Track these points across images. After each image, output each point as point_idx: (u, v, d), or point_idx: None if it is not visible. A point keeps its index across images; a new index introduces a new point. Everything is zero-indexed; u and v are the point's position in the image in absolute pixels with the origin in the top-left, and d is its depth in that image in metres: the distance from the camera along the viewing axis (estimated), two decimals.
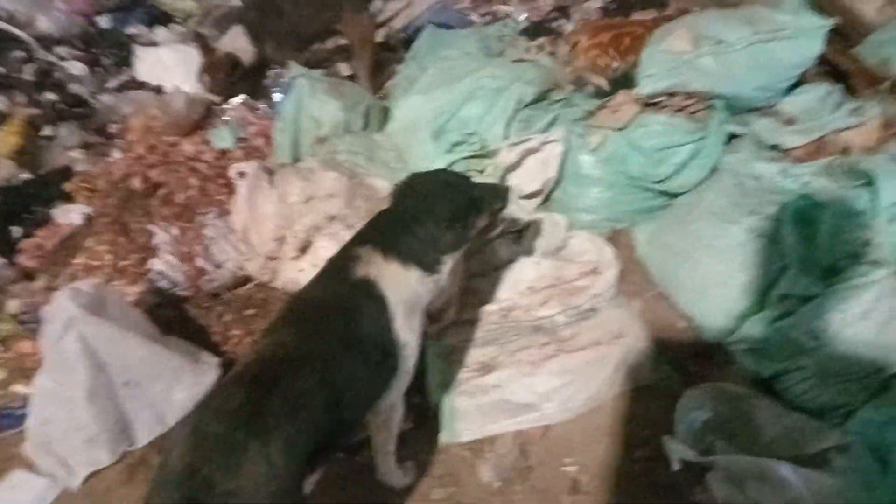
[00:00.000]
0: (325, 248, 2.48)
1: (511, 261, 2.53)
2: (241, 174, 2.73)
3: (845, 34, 2.93)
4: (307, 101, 3.10)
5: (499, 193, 2.09)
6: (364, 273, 1.69)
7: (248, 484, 1.30)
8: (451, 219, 1.82)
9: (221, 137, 3.10)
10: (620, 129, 2.65)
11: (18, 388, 2.15)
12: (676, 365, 2.25)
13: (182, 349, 2.16)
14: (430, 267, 1.79)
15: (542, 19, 4.55)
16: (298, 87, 3.12)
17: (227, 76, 3.31)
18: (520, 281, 2.48)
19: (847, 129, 2.48)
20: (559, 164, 2.71)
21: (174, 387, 2.07)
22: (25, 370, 2.19)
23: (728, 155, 2.52)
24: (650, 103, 2.69)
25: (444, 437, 2.08)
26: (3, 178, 2.76)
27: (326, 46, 4.04)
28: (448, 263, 1.86)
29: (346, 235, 2.49)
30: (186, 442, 1.35)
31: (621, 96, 2.77)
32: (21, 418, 1.98)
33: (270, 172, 2.77)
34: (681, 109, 2.65)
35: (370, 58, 3.81)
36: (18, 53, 3.40)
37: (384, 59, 4.16)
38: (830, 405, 2.01)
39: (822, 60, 2.65)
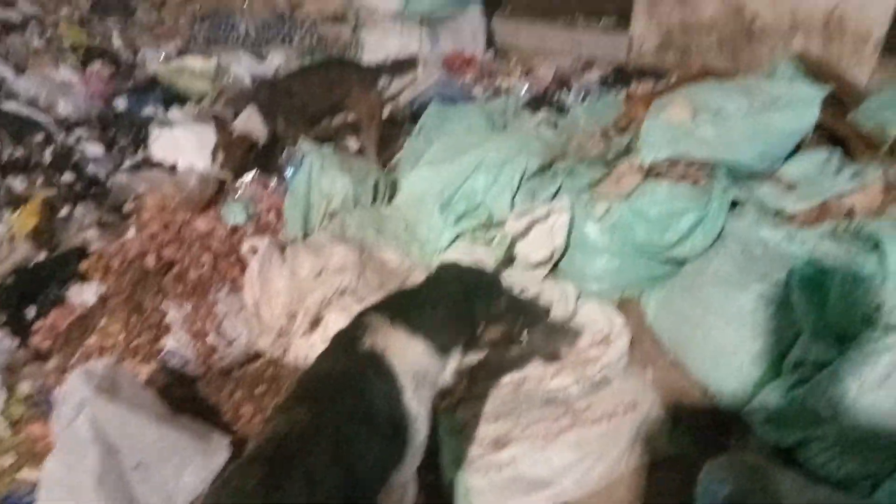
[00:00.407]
0: (336, 323, 2.49)
1: None
2: (253, 250, 2.78)
3: (840, 100, 3.01)
4: (317, 176, 3.18)
5: (528, 313, 1.98)
6: (371, 343, 1.69)
7: None
8: (463, 315, 1.81)
9: (233, 214, 3.17)
10: (625, 198, 2.70)
11: (27, 475, 2.11)
12: (694, 435, 2.21)
13: (193, 429, 2.13)
14: (438, 346, 1.75)
15: (543, 92, 4.71)
16: (309, 163, 3.20)
17: (243, 156, 3.41)
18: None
19: (849, 193, 2.51)
20: (566, 233, 2.74)
21: (184, 469, 2.03)
22: (36, 455, 2.16)
23: (732, 221, 2.54)
24: (652, 172, 2.75)
25: None
26: (19, 258, 2.81)
27: (335, 122, 4.18)
28: (454, 357, 1.82)
29: (357, 309, 2.52)
30: None
31: (624, 166, 2.84)
32: None
33: (282, 248, 2.82)
34: (683, 177, 2.70)
35: (377, 133, 3.93)
36: (39, 136, 3.52)
37: (391, 133, 4.28)
38: (856, 475, 1.96)
39: (820, 126, 2.72)
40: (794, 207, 2.46)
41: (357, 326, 1.76)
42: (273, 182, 3.46)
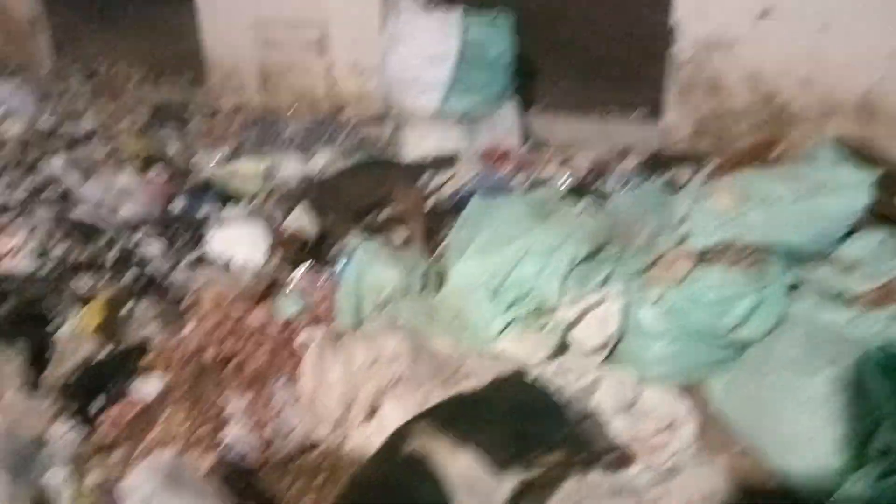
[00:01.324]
0: (392, 412, 2.48)
1: None
2: (308, 341, 2.82)
3: (890, 180, 3.02)
4: (367, 268, 3.26)
5: (588, 450, 1.96)
6: (416, 447, 1.69)
7: None
8: (519, 435, 1.80)
9: (287, 307, 3.24)
10: (678, 283, 2.70)
11: None
12: None
13: None
14: (489, 460, 1.72)
15: (583, 181, 4.83)
16: (358, 256, 3.30)
17: (296, 252, 3.54)
18: None
19: None
20: (620, 319, 2.74)
21: None
22: None
23: (794, 304, 2.51)
24: (705, 257, 2.76)
25: None
26: (85, 354, 2.89)
27: (381, 216, 4.32)
28: (509, 478, 1.76)
29: (412, 398, 2.52)
30: None
31: (675, 251, 2.86)
32: None
33: (335, 338, 2.86)
34: (736, 262, 2.70)
35: (423, 225, 4.05)
36: (103, 239, 3.70)
37: (436, 225, 4.39)
38: None
39: (871, 207, 2.72)
40: (856, 289, 2.43)
41: (403, 432, 1.78)
42: (324, 275, 3.55)
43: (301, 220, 3.62)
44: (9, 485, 2.16)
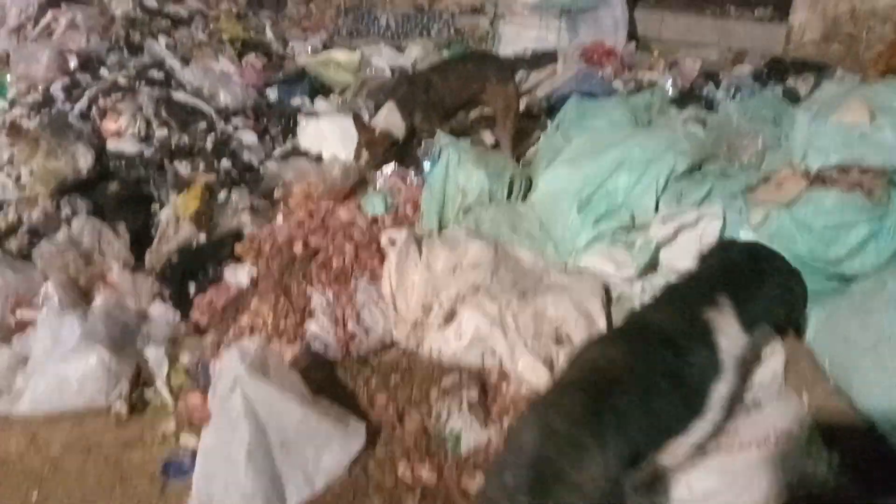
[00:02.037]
0: (469, 319, 2.49)
1: None
2: (392, 241, 2.84)
3: None
4: (454, 170, 3.20)
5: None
6: (710, 317, 1.82)
7: (588, 481, 1.49)
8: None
9: (373, 205, 3.26)
10: (786, 206, 2.49)
11: (185, 441, 2.30)
12: (856, 472, 2.00)
13: (332, 413, 2.22)
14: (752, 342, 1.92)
15: (691, 86, 4.46)
16: (446, 157, 3.23)
17: (385, 152, 3.51)
18: None
19: None
20: (716, 241, 2.57)
21: (324, 450, 2.12)
22: (192, 423, 2.34)
23: None
24: (819, 178, 2.52)
25: None
26: (182, 239, 3.05)
27: (472, 116, 4.19)
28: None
29: (490, 307, 2.52)
30: (537, 433, 1.56)
31: (786, 170, 2.62)
32: (188, 470, 2.11)
33: (418, 240, 2.86)
34: (855, 186, 2.45)
35: (514, 127, 3.89)
36: (202, 125, 3.79)
37: (528, 127, 4.23)
38: None
39: None
40: None
41: (704, 299, 1.89)
42: (411, 175, 3.52)
43: (391, 118, 3.55)
44: (112, 358, 2.36)
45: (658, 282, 2.67)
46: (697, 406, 1.79)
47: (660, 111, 3.76)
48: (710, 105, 3.91)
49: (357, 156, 3.54)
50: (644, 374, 1.70)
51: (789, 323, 2.18)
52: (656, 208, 2.84)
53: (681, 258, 2.62)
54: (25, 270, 2.82)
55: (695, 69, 4.77)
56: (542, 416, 1.62)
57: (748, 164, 3.08)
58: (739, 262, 2.06)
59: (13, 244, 2.97)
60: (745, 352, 1.88)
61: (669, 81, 4.53)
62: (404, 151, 3.70)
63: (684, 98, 4.05)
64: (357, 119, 3.59)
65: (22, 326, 2.63)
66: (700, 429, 1.82)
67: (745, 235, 2.56)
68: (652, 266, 2.68)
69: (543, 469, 1.50)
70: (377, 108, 3.90)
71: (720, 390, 1.80)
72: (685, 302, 1.90)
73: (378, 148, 3.50)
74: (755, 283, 1.98)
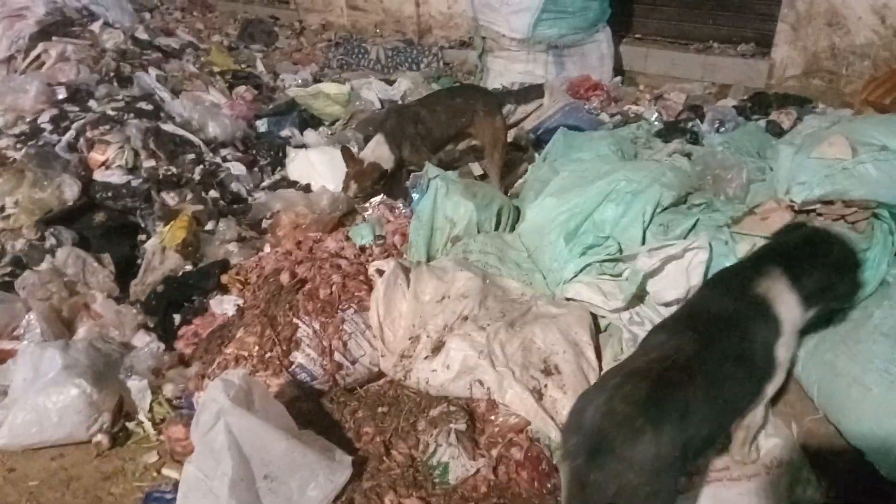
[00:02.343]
0: (457, 349, 2.47)
1: None
2: (379, 272, 2.83)
3: None
4: (442, 201, 3.21)
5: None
6: (765, 289, 1.92)
7: (638, 459, 1.59)
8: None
9: (361, 235, 3.26)
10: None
11: (168, 473, 2.25)
12: (846, 499, 1.99)
13: (318, 445, 2.18)
14: (807, 306, 1.97)
15: (676, 119, 4.53)
16: (434, 188, 3.24)
17: (373, 184, 3.53)
18: None
19: None
20: (703, 272, 2.59)
21: (309, 483, 2.08)
22: (175, 454, 2.30)
23: None
24: (803, 211, 2.55)
25: None
26: (168, 269, 3.02)
27: (459, 147, 4.23)
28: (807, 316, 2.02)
29: (478, 337, 2.50)
30: (600, 410, 1.67)
31: (770, 203, 2.65)
32: (171, 502, 2.06)
33: (406, 271, 2.85)
34: (839, 219, 2.48)
35: (502, 159, 3.93)
36: (190, 156, 3.80)
37: (516, 159, 4.27)
38: None
39: None
40: None
41: (757, 273, 1.97)
42: (399, 206, 3.53)
43: (379, 150, 3.58)
44: (93, 390, 2.32)
45: (646, 313, 2.68)
46: (765, 376, 1.91)
47: (645, 144, 3.82)
48: (694, 138, 3.97)
49: (346, 187, 3.56)
50: (712, 363, 1.77)
51: (841, 302, 2.26)
52: (643, 240, 2.85)
53: (668, 289, 2.64)
54: (8, 301, 2.79)
55: (679, 103, 4.86)
56: (605, 396, 1.70)
57: (733, 196, 3.11)
58: (793, 241, 2.12)
59: None
60: (801, 322, 1.98)
61: (655, 115, 4.60)
62: (393, 183, 3.73)
63: (669, 131, 4.11)
64: (346, 151, 3.61)
65: (3, 357, 2.58)
66: (768, 392, 1.96)
67: None
68: (639, 297, 2.69)
69: (599, 441, 1.62)
70: (366, 140, 3.94)
71: (782, 354, 1.91)
72: (740, 280, 1.99)
73: (367, 180, 3.52)
74: (810, 258, 2.02)
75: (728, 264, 2.55)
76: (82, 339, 2.61)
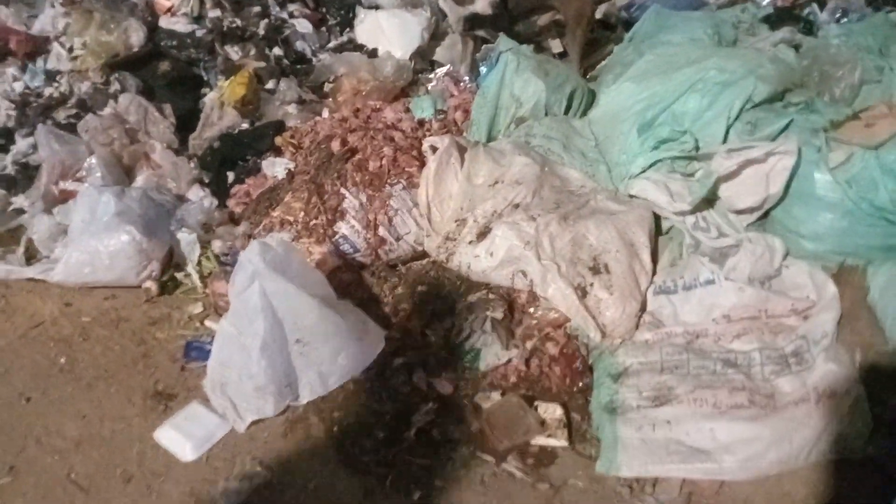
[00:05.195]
0: (503, 238, 2.36)
1: (708, 281, 2.25)
2: (433, 148, 2.70)
3: None
4: (511, 77, 2.98)
5: None
6: None
7: None
8: None
9: (422, 108, 3.11)
10: (873, 148, 2.21)
11: (211, 324, 2.33)
12: None
13: (353, 316, 2.19)
14: None
15: (791, 4, 3.99)
16: (504, 63, 3.01)
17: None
18: (714, 306, 2.19)
19: None
20: (786, 180, 2.32)
21: (340, 352, 2.10)
22: (218, 308, 2.37)
23: None
24: None
25: (600, 467, 1.89)
26: (226, 124, 2.99)
27: (540, 21, 3.89)
28: None
29: (527, 227, 2.37)
30: None
31: (880, 107, 2.31)
32: (209, 353, 2.14)
33: (461, 150, 2.71)
34: None
35: (584, 36, 3.60)
36: (256, 9, 3.66)
37: (600, 38, 3.92)
38: None
39: None
40: None
41: None
42: (465, 79, 3.33)
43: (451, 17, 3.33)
44: (143, 238, 2.37)
45: (713, 219, 2.47)
46: None
47: (749, 30, 3.39)
48: (808, 28, 3.48)
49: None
50: None
51: None
52: (725, 138, 2.58)
53: (743, 195, 2.40)
54: (72, 143, 2.84)
55: None
56: None
57: (839, 97, 2.74)
58: None
59: (62, 115, 2.99)
60: None
61: None
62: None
63: (781, 17, 3.60)
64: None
65: (65, 197, 2.67)
66: None
67: (822, 177, 2.30)
68: (709, 201, 2.46)
69: None
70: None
71: None
72: None
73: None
74: None
75: (818, 171, 2.29)
76: (138, 187, 2.65)
